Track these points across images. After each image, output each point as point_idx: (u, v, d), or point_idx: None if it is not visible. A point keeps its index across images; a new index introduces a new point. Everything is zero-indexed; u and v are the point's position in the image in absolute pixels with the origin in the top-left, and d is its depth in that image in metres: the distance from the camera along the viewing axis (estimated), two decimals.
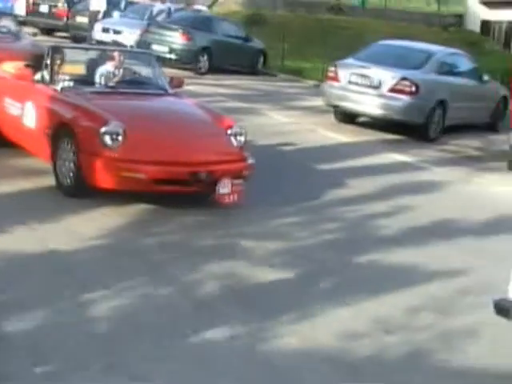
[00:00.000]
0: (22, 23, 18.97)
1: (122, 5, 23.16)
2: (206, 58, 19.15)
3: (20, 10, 24.99)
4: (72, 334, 4.43)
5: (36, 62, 8.29)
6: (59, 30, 24.03)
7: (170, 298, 5.13)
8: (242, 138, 7.49)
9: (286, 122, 13.37)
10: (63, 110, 7.39)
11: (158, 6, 22.58)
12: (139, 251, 5.99)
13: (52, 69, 7.96)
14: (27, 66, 8.39)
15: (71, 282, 5.19)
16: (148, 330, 4.62)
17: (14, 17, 14.57)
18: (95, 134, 6.79)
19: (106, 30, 20.54)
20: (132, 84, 8.32)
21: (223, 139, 7.44)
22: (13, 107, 8.14)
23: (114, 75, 8.24)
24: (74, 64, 8.44)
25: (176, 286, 5.36)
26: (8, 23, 13.32)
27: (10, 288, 4.98)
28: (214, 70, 19.16)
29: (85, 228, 6.36)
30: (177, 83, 8.76)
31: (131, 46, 19.34)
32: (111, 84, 8.10)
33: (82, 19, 22.42)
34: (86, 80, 8.18)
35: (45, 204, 6.94)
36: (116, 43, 19.29)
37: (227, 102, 14.09)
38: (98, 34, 20.59)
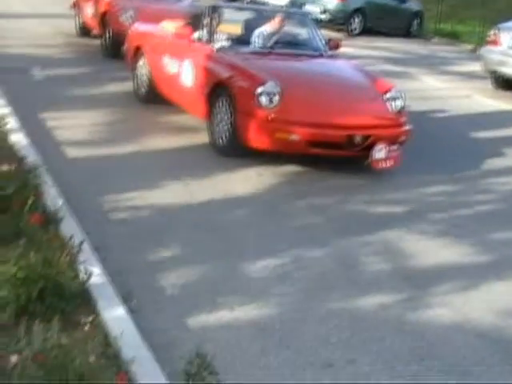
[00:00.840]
0: None
1: None
2: (359, 19, 18.83)
3: None
4: (225, 290, 4.50)
5: (195, 21, 8.40)
6: None
7: (321, 261, 5.11)
8: (400, 103, 7.28)
9: (441, 87, 12.96)
10: (220, 69, 7.44)
11: None
12: (291, 212, 5.99)
13: (210, 28, 8.04)
14: (186, 24, 8.52)
15: (224, 240, 5.27)
16: (299, 291, 4.62)
17: None
18: (251, 93, 6.79)
19: None
20: (289, 45, 8.24)
21: (380, 103, 7.25)
22: (171, 65, 8.28)
23: (271, 36, 8.20)
24: (232, 24, 8.48)
25: (327, 249, 5.32)
26: None
27: (162, 242, 5.11)
28: (367, 31, 18.84)
29: (238, 186, 6.44)
30: (334, 45, 8.63)
31: (286, 6, 19.36)
32: (268, 44, 8.07)
33: None
34: (243, 40, 8.22)
35: (199, 161, 7.08)
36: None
37: (379, 65, 13.83)
38: None
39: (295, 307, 4.42)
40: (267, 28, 8.25)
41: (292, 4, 19.07)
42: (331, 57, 8.36)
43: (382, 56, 15.62)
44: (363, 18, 18.83)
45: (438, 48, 19.16)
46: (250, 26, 8.49)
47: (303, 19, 9.06)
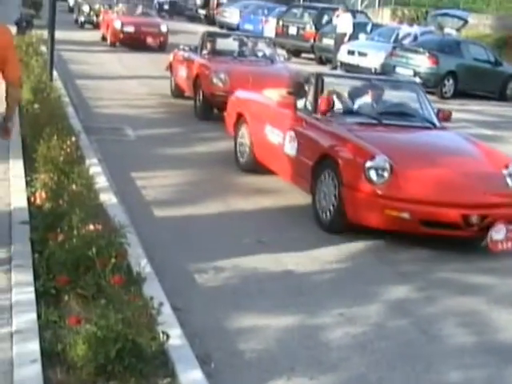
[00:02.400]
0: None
1: (369, 28, 23.26)
2: (451, 82, 18.65)
3: (269, 32, 25.99)
4: (305, 358, 4.43)
5: (298, 89, 8.20)
6: (305, 52, 24.63)
7: (404, 331, 4.98)
8: None
9: None
10: (325, 140, 7.16)
11: (404, 29, 22.40)
12: (375, 279, 5.88)
13: (315, 97, 7.78)
14: (289, 93, 8.33)
15: (305, 307, 5.20)
16: (380, 361, 4.50)
17: (269, 40, 14.99)
18: (360, 167, 6.50)
19: (351, 53, 20.71)
20: (397, 116, 7.87)
21: (498, 179, 6.82)
22: (273, 135, 8.06)
23: (378, 105, 7.96)
24: (337, 92, 8.13)
25: (411, 318, 5.18)
26: (263, 46, 13.70)
27: (244, 306, 5.09)
28: (460, 94, 18.61)
29: (323, 250, 6.37)
30: (444, 115, 8.16)
31: (375, 69, 19.46)
32: (375, 115, 7.77)
33: (328, 41, 22.78)
34: (348, 110, 7.94)
35: (284, 224, 7.05)
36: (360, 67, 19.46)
37: (471, 129, 13.59)
38: (343, 56, 20.83)
39: (375, 377, 4.31)
40: (372, 96, 7.99)
41: (383, 67, 19.14)
42: (442, 129, 7.97)
43: (474, 119, 15.36)
44: (455, 80, 18.63)
45: None
46: (355, 95, 8.14)
47: (413, 88, 8.56)
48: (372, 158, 6.51)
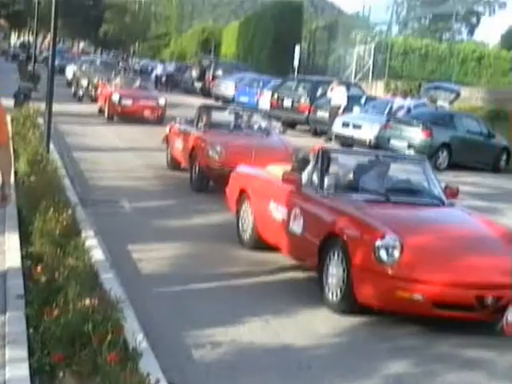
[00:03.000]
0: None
1: (363, 100, 23.59)
2: (445, 154, 18.85)
3: (264, 104, 26.34)
4: None
5: (302, 164, 8.10)
6: (301, 124, 24.91)
7: None
8: None
9: None
10: (332, 218, 6.99)
11: (398, 102, 22.72)
12: (373, 354, 5.82)
13: (320, 174, 7.67)
14: (293, 169, 8.25)
15: (303, 379, 5.15)
16: None
17: (264, 112, 15.18)
18: (369, 246, 6.31)
19: (345, 125, 20.95)
20: (405, 193, 7.79)
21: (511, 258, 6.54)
22: (278, 212, 7.91)
23: (386, 182, 7.85)
24: (342, 169, 8.05)
25: None
26: (258, 119, 13.85)
27: (240, 380, 5.02)
28: (454, 166, 18.77)
29: (319, 325, 6.32)
30: (452, 192, 8.07)
31: (370, 141, 19.67)
32: (382, 192, 7.64)
33: (323, 114, 23.07)
34: (354, 187, 7.80)
35: (279, 297, 6.99)
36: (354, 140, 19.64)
37: (465, 200, 13.63)
38: (337, 128, 21.07)
39: None
40: (377, 173, 7.90)
41: (378, 139, 19.33)
42: (450, 205, 7.85)
43: (468, 191, 15.39)
44: (449, 152, 18.82)
45: None
46: (361, 172, 8.01)
47: (420, 165, 8.38)
48: (382, 236, 6.34)
